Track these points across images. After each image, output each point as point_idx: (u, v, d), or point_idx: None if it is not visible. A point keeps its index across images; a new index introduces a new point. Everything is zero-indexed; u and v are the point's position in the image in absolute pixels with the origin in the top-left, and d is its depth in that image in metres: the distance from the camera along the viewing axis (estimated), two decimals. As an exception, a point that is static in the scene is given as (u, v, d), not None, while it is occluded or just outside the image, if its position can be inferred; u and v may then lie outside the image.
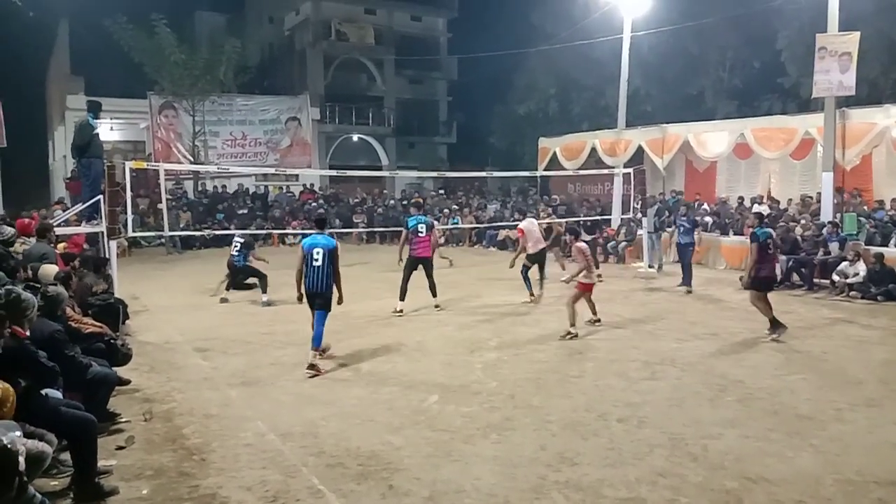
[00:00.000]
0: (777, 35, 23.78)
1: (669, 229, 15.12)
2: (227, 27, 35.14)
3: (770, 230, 9.40)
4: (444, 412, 6.06)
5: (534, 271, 11.58)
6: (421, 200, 13.06)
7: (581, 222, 16.03)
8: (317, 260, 7.40)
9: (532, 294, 11.46)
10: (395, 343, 8.69)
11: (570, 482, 4.65)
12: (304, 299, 7.62)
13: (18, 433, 2.73)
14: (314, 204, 24.46)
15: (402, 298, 10.56)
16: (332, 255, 7.45)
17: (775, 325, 8.90)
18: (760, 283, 9.05)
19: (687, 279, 12.77)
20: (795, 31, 22.07)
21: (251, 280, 12.13)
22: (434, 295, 10.84)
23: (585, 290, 9.34)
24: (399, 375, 7.26)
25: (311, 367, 7.32)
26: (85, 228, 11.51)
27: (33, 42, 29.18)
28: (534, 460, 5.02)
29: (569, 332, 8.87)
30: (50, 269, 7.01)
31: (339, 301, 7.64)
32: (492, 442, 5.39)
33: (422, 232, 10.71)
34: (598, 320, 9.62)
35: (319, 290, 7.46)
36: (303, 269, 7.54)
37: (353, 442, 5.35)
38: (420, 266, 10.73)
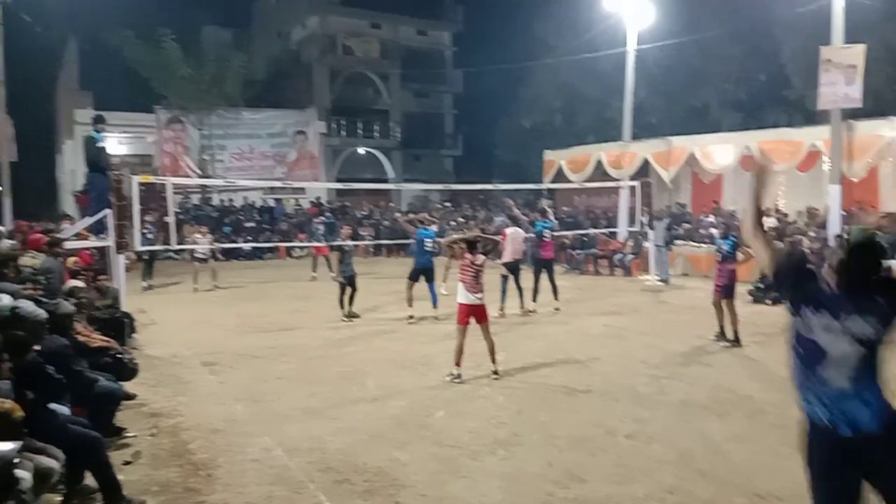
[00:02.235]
0: (782, 47, 23.78)
1: (679, 243, 15.11)
2: (233, 42, 35.41)
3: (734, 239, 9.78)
4: (451, 427, 6.03)
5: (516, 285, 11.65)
6: (546, 207, 13.53)
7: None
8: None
9: (502, 308, 11.33)
10: (401, 357, 8.67)
11: (578, 499, 4.62)
12: None
13: (13, 446, 2.72)
14: (321, 218, 24.52)
15: (534, 299, 11.70)
16: None
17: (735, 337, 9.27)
18: (731, 290, 9.46)
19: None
20: (800, 43, 22.04)
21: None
22: (556, 297, 11.96)
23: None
24: (405, 390, 7.24)
25: None
26: (93, 242, 11.55)
27: (42, 58, 29.40)
28: (541, 476, 4.98)
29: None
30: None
31: None
32: (499, 458, 5.36)
33: (547, 236, 12.04)
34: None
35: None
36: None
37: (359, 457, 5.33)
38: (544, 268, 11.87)
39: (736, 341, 9.25)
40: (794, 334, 3.03)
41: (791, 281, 3.06)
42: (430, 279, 11.19)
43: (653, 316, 11.72)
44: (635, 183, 16.49)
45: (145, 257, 15.42)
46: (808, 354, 2.98)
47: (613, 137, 22.24)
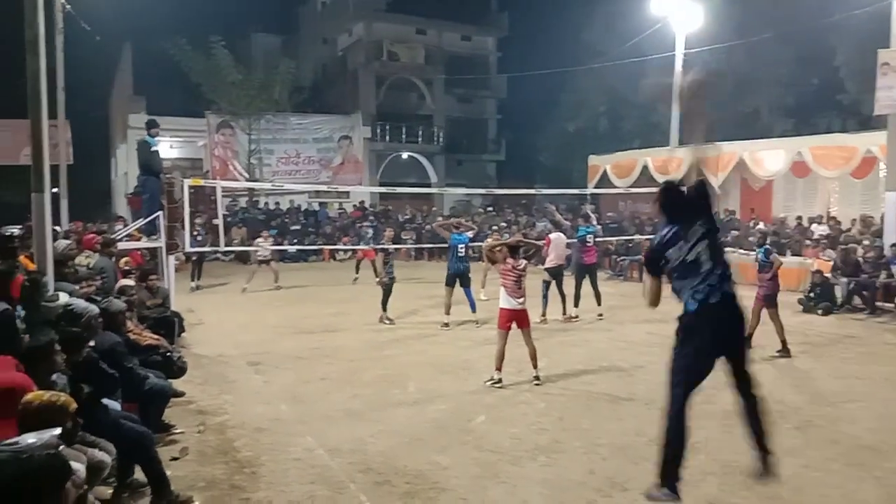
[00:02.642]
0: (836, 51, 23.16)
1: (726, 250, 14.78)
2: (282, 48, 36.15)
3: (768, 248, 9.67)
4: (492, 432, 6.03)
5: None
6: (588, 212, 13.40)
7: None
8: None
9: (544, 314, 11.28)
10: (442, 361, 8.69)
11: (619, 508, 4.56)
12: None
13: (55, 431, 2.82)
14: (367, 222, 24.82)
15: (576, 305, 11.70)
16: None
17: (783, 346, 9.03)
18: (773, 299, 9.18)
19: None
20: (854, 46, 21.44)
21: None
22: (599, 303, 11.90)
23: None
24: (446, 394, 7.26)
25: None
26: (145, 243, 11.89)
27: (99, 64, 30.40)
28: (582, 484, 4.94)
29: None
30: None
31: None
32: (540, 464, 5.33)
33: (590, 242, 11.97)
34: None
35: None
36: None
37: (400, 460, 5.36)
38: (587, 273, 11.82)
39: (784, 351, 8.99)
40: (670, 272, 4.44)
41: (656, 256, 4.52)
42: (465, 284, 11.10)
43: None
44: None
45: (194, 258, 15.81)
46: (682, 271, 4.34)
47: (659, 143, 21.95)
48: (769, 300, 9.16)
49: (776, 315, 9.14)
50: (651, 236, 18.44)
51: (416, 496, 4.74)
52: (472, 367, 8.33)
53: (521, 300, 7.55)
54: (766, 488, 4.84)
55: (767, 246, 9.57)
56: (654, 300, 4.60)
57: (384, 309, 11.30)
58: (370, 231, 18.61)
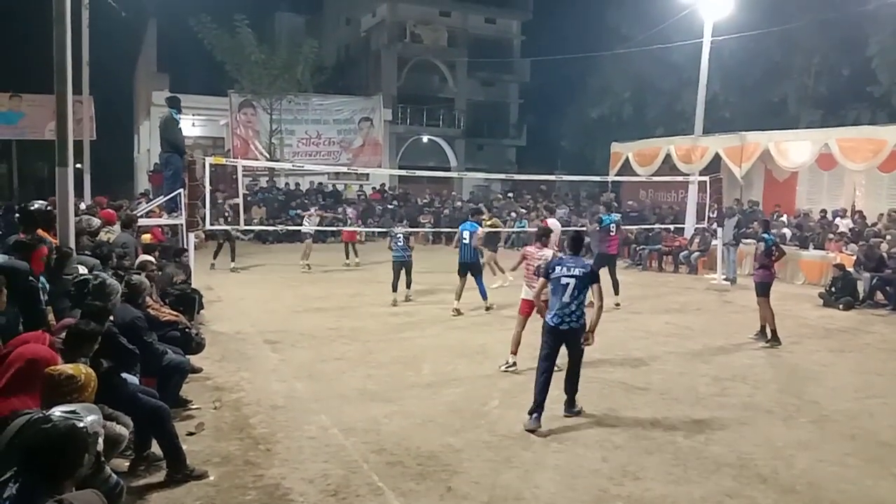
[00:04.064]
0: (868, 40, 22.65)
1: (748, 242, 14.61)
2: (305, 28, 36.11)
3: (773, 237, 9.71)
4: (505, 417, 6.03)
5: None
6: (610, 200, 13.07)
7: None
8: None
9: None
10: (458, 345, 8.70)
11: (632, 497, 4.55)
12: None
13: (99, 416, 2.86)
14: (389, 206, 24.87)
15: (616, 293, 11.53)
16: None
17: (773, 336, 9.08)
18: (767, 288, 9.19)
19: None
20: (889, 36, 20.99)
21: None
22: (617, 292, 11.55)
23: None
24: (461, 377, 7.27)
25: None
26: (166, 220, 11.98)
27: (124, 41, 30.59)
28: (595, 472, 4.93)
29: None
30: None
31: None
32: (553, 450, 5.32)
33: (613, 231, 11.77)
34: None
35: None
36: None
37: (413, 441, 5.39)
38: (607, 263, 11.51)
39: (774, 340, 9.06)
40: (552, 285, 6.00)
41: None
42: (475, 273, 10.90)
43: (717, 316, 11.41)
44: (705, 178, 16.01)
45: (225, 239, 15.36)
46: (555, 290, 5.94)
47: (684, 131, 21.67)
48: (762, 288, 9.20)
49: (767, 304, 9.16)
50: (672, 226, 18.33)
51: (429, 478, 4.76)
52: (488, 352, 8.33)
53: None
54: (781, 482, 4.81)
55: (766, 236, 9.53)
56: None
57: (395, 290, 11.51)
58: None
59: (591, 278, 5.94)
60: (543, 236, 7.94)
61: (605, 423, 5.94)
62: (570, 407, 6.13)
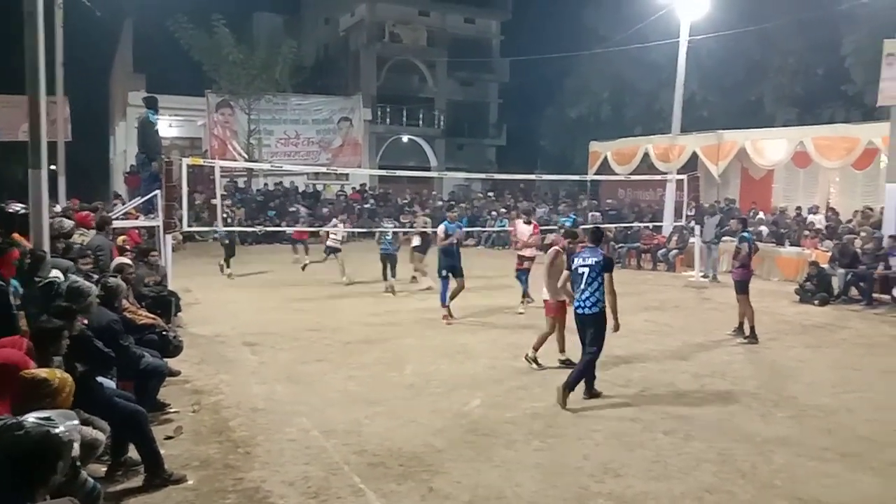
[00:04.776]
0: (842, 41, 22.98)
1: (726, 239, 14.77)
2: (283, 28, 35.86)
3: (752, 235, 10.00)
4: (487, 416, 6.03)
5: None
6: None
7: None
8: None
9: (524, 299, 10.92)
10: (441, 345, 8.69)
11: (613, 494, 4.57)
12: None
13: (76, 422, 2.82)
14: (366, 206, 24.77)
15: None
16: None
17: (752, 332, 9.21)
18: (745, 286, 9.30)
19: None
20: (863, 36, 21.27)
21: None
22: None
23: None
24: (443, 377, 7.26)
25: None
26: (142, 222, 11.83)
27: (99, 41, 30.18)
28: (577, 469, 4.94)
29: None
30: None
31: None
32: (534, 449, 5.33)
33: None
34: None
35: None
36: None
37: (395, 442, 5.36)
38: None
39: (752, 337, 9.17)
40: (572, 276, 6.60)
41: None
42: (457, 275, 10.30)
43: (695, 313, 11.50)
44: (683, 177, 16.16)
45: (226, 242, 14.57)
46: (574, 279, 6.53)
47: (662, 130, 21.85)
48: (742, 286, 9.30)
49: (747, 301, 9.27)
50: (650, 224, 18.47)
51: (411, 478, 4.75)
52: (470, 352, 8.33)
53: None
54: (760, 477, 4.86)
55: (744, 234, 9.68)
56: None
57: (385, 278, 12.56)
58: (302, 210, 18.64)
59: (603, 267, 6.35)
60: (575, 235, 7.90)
61: (585, 421, 5.95)
62: (589, 388, 6.51)
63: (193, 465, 4.88)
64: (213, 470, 4.82)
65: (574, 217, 12.19)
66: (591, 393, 6.56)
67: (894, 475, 4.96)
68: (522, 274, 10.84)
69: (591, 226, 7.77)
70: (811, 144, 16.20)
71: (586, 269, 6.42)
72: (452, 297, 10.20)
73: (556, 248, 7.77)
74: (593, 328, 6.43)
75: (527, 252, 10.89)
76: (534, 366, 7.54)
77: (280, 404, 6.27)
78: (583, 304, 6.44)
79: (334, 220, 15.79)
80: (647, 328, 9.96)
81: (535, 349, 7.66)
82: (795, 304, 12.45)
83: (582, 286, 6.43)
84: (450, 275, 10.26)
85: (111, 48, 32.38)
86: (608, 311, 6.39)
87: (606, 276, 6.36)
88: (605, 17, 29.15)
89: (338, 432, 5.56)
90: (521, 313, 10.59)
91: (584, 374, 6.44)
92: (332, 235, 14.14)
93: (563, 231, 8.40)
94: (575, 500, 4.49)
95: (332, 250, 13.90)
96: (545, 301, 7.74)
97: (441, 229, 10.51)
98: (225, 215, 14.84)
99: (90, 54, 29.76)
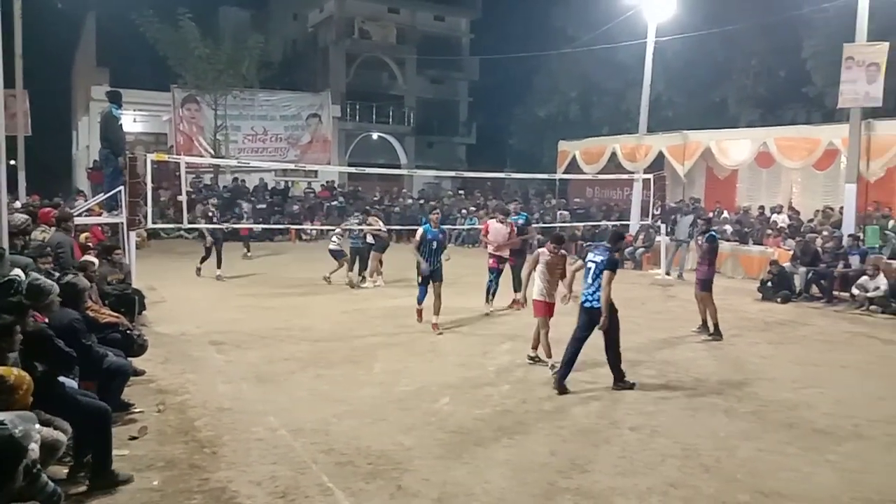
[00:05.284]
0: (803, 44, 23.50)
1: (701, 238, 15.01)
2: (251, 23, 35.43)
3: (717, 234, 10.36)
4: (456, 414, 6.04)
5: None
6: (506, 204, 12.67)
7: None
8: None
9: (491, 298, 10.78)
10: (409, 343, 8.68)
11: (580, 489, 4.61)
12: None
13: (31, 424, 2.75)
14: (335, 203, 24.61)
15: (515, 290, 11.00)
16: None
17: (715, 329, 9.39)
18: (710, 284, 9.54)
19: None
20: (823, 39, 21.78)
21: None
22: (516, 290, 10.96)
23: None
24: (412, 376, 7.25)
25: None
26: (106, 219, 11.61)
27: (60, 33, 29.53)
28: (544, 465, 4.98)
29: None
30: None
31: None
32: (503, 445, 5.36)
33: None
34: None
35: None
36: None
37: (363, 441, 5.35)
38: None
39: (716, 334, 9.35)
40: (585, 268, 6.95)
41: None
42: (436, 279, 9.43)
43: (662, 310, 11.67)
44: (649, 176, 16.37)
45: (213, 243, 13.73)
46: (585, 273, 6.89)
47: (629, 130, 22.10)
48: (704, 285, 9.50)
49: (710, 299, 9.46)
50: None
51: (379, 476, 4.74)
52: (438, 350, 8.35)
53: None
54: (724, 471, 4.95)
55: (712, 232, 9.99)
56: None
57: (350, 270, 12.92)
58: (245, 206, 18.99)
59: (605, 265, 6.72)
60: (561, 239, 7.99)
61: (553, 418, 6.00)
62: (617, 380, 6.84)
63: (158, 466, 4.80)
64: (178, 470, 4.76)
65: (526, 215, 11.94)
66: (561, 387, 6.71)
67: (850, 467, 5.09)
68: (495, 273, 10.76)
69: (613, 230, 8.37)
70: (774, 145, 16.53)
71: (593, 265, 6.89)
72: (437, 311, 9.32)
73: (544, 249, 7.76)
74: (594, 321, 6.79)
75: (503, 252, 10.78)
76: (544, 365, 7.48)
77: (247, 403, 6.21)
78: (589, 298, 6.86)
79: (367, 216, 14.07)
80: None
81: (534, 348, 7.75)
82: (758, 301, 12.70)
83: (589, 280, 6.88)
84: (430, 281, 9.43)
85: (73, 41, 31.70)
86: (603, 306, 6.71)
87: (605, 273, 6.70)
88: (574, 17, 29.36)
89: (306, 431, 5.52)
90: (487, 314, 10.57)
91: (617, 364, 6.89)
92: (367, 235, 13.17)
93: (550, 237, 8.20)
94: (543, 496, 4.52)
95: (339, 254, 13.18)
96: (535, 301, 7.69)
97: (419, 233, 9.55)
98: (210, 214, 14.30)
99: (51, 47, 29.10)
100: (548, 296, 7.60)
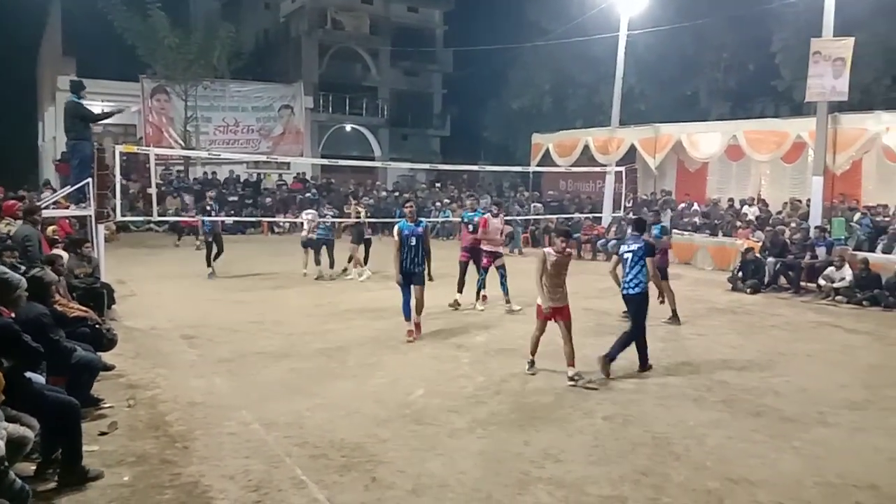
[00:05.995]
0: (772, 38, 23.86)
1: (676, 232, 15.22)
2: (221, 12, 34.99)
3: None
4: (430, 406, 6.06)
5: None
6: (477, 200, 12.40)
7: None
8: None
9: (470, 295, 10.59)
10: (383, 336, 8.66)
11: (553, 478, 4.66)
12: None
13: (1, 422, 2.70)
14: (307, 195, 24.41)
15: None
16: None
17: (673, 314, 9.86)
18: (665, 271, 9.93)
19: None
20: (791, 34, 22.15)
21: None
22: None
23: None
24: (386, 368, 7.25)
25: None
26: (73, 212, 11.40)
27: (25, 21, 28.84)
28: (518, 455, 5.03)
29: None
30: None
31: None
32: (477, 436, 5.39)
33: (471, 227, 10.73)
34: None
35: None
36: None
37: (337, 433, 5.34)
38: (473, 256, 10.93)
39: (675, 318, 9.80)
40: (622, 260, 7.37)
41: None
42: (417, 283, 8.54)
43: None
44: (621, 169, 16.53)
45: (209, 239, 13.36)
46: (623, 265, 7.25)
47: (602, 123, 22.27)
48: (662, 273, 9.64)
49: (668, 285, 9.60)
50: (591, 214, 18.84)
51: (353, 469, 4.74)
52: (413, 343, 8.34)
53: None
54: (693, 459, 5.04)
55: (662, 225, 10.58)
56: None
57: (318, 264, 12.90)
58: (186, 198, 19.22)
59: (644, 251, 7.12)
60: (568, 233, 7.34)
61: (527, 408, 6.05)
62: (642, 366, 7.18)
63: (129, 461, 4.76)
64: (149, 466, 4.71)
65: (481, 211, 11.36)
66: (644, 366, 7.23)
67: (814, 453, 5.21)
68: (486, 271, 10.49)
69: (635, 216, 8.77)
70: (743, 138, 16.78)
71: (630, 255, 7.21)
72: (418, 311, 8.55)
73: (550, 250, 6.92)
74: (633, 307, 7.23)
75: (498, 248, 10.62)
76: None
77: (219, 398, 6.16)
78: (627, 286, 7.22)
79: (352, 203, 14.54)
80: (585, 316, 10.15)
81: (532, 353, 7.27)
82: (728, 291, 12.90)
83: (627, 269, 7.21)
84: (411, 283, 8.52)
85: (38, 30, 30.96)
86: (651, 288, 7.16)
87: (648, 259, 7.09)
88: (547, 10, 29.45)
89: (279, 425, 5.50)
90: (481, 309, 10.49)
91: (624, 346, 7.09)
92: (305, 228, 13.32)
93: (554, 231, 8.00)
94: (517, 485, 4.57)
95: (311, 243, 13.15)
96: (538, 306, 6.99)
97: (395, 232, 8.60)
98: (209, 208, 13.76)
99: (16, 36, 28.42)
100: (550, 299, 6.86)
